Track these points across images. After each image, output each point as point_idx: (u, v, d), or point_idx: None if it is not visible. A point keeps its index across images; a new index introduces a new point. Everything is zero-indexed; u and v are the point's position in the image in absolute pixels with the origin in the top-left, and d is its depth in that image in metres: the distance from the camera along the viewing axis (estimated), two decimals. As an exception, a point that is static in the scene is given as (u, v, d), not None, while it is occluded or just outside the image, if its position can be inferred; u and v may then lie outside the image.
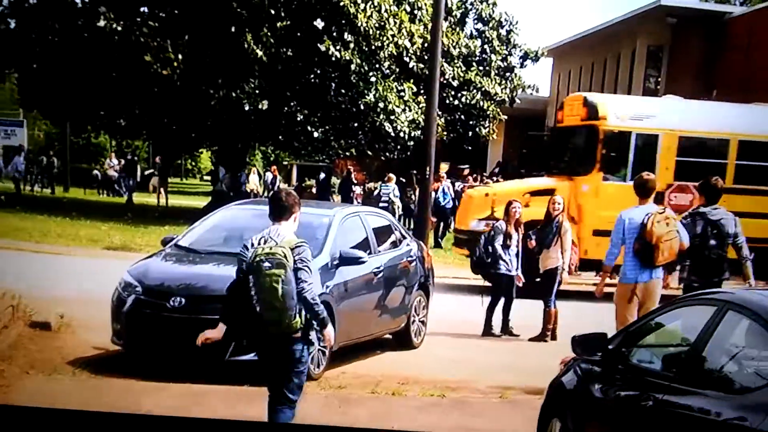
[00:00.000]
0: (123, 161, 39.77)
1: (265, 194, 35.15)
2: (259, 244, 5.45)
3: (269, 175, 38.87)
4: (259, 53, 21.72)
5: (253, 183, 40.39)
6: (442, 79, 25.14)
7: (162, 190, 31.88)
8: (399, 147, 25.24)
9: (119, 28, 21.84)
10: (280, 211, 5.64)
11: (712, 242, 8.00)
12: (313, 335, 5.65)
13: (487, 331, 10.53)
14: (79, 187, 36.75)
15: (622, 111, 14.48)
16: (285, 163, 59.77)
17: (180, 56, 22.07)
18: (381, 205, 20.05)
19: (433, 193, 18.69)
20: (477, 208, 14.59)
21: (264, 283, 5.32)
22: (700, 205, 8.38)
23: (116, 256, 16.10)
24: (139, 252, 16.58)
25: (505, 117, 30.10)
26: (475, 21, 27.06)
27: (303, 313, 5.45)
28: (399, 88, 23.42)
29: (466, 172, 27.01)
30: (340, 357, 8.49)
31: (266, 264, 5.32)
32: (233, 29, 21.89)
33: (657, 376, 4.47)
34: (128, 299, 7.91)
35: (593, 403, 4.92)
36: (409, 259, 9.62)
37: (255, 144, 34.39)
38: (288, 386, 5.55)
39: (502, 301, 10.56)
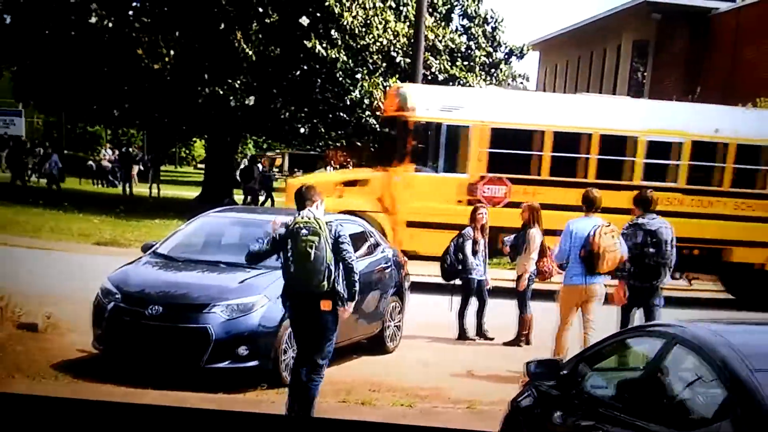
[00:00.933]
0: (117, 152, 40.00)
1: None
2: (298, 216, 6.42)
3: (259, 166, 39.20)
4: (248, 50, 21.99)
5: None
6: (427, 73, 25.38)
7: (154, 181, 32.18)
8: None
9: (110, 24, 22.09)
10: (302, 200, 6.61)
11: (651, 250, 8.70)
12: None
13: (462, 335, 10.76)
14: (74, 176, 37.03)
15: (432, 102, 14.24)
16: (277, 151, 60.02)
17: (171, 52, 22.33)
18: None
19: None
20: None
21: (300, 246, 6.26)
22: (638, 216, 8.95)
23: (106, 251, 16.37)
24: (129, 247, 16.90)
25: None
26: (461, 17, 27.19)
27: (332, 278, 6.32)
28: (385, 84, 23.61)
29: None
30: None
31: (303, 231, 6.30)
32: (222, 26, 22.17)
33: (608, 405, 4.48)
34: (108, 306, 8.10)
35: (547, 428, 4.94)
36: (384, 265, 9.81)
37: (246, 134, 34.67)
38: (319, 348, 6.54)
39: (475, 305, 10.81)
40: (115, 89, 23.79)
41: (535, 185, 13.96)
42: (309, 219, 6.37)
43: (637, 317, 9.02)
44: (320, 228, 6.33)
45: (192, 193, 32.45)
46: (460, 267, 10.60)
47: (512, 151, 14.05)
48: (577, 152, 14.28)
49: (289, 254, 6.38)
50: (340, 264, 6.46)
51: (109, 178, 37.60)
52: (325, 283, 6.32)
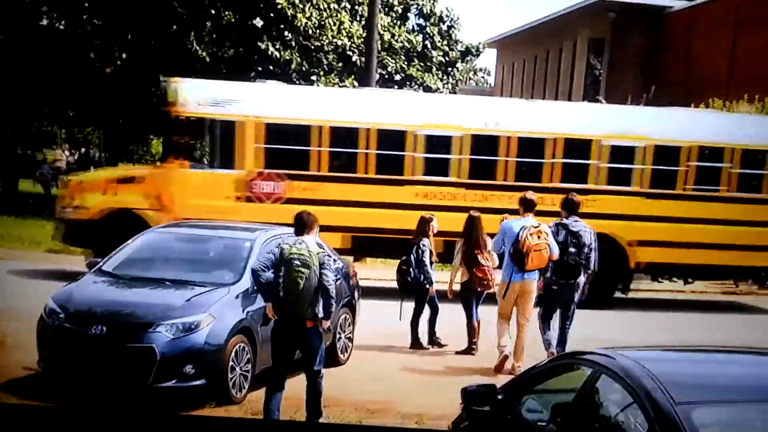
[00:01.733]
0: (75, 153, 39.44)
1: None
2: (292, 246, 7.09)
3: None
4: (201, 52, 21.83)
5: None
6: (384, 73, 25.44)
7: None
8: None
9: (62, 27, 21.84)
10: (302, 227, 7.31)
11: (572, 249, 9.45)
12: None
13: (415, 344, 10.79)
14: (28, 177, 36.37)
15: (205, 97, 14.03)
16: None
17: (123, 55, 22.13)
18: None
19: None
20: (69, 196, 14.26)
21: (291, 276, 6.99)
22: (563, 217, 9.72)
23: (57, 260, 16.14)
24: (80, 255, 16.69)
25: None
26: (417, 16, 27.27)
27: (315, 303, 7.09)
28: (341, 84, 23.59)
29: None
30: (265, 378, 8.69)
31: (296, 262, 7.01)
32: (175, 28, 21.97)
33: (540, 430, 4.53)
34: (52, 326, 7.99)
35: None
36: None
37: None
38: (311, 361, 7.32)
39: (426, 313, 10.84)
40: (69, 91, 23.48)
41: (315, 181, 13.95)
42: (302, 251, 7.05)
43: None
44: (311, 260, 7.04)
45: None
46: (422, 278, 10.62)
47: (290, 146, 14.00)
48: (355, 147, 14.13)
49: (280, 280, 7.06)
50: (320, 288, 7.10)
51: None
52: (309, 309, 7.10)
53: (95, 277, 8.81)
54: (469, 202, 13.75)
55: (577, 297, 9.70)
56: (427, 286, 10.66)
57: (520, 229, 9.31)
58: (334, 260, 9.91)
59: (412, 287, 10.77)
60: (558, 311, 9.78)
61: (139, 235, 9.68)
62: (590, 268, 9.66)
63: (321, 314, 7.18)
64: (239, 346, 8.04)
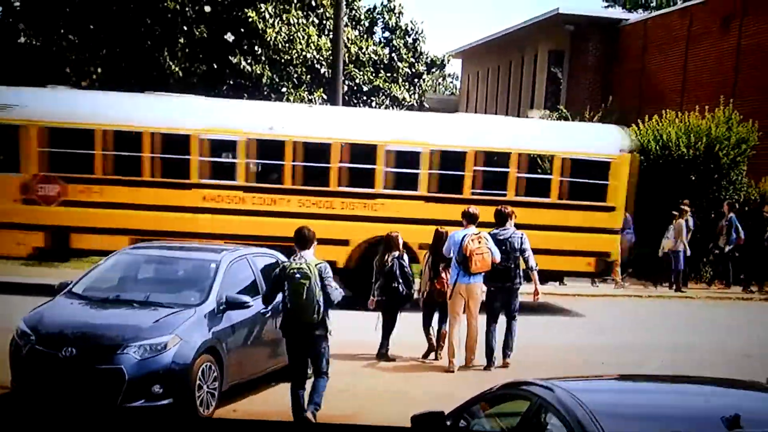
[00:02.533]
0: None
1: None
2: (293, 261, 7.98)
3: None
4: (174, 67, 22.16)
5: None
6: (352, 84, 25.88)
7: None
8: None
9: (38, 44, 22.11)
10: (303, 243, 8.13)
11: (503, 256, 10.57)
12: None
13: (385, 355, 11.18)
14: None
15: None
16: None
17: (99, 69, 22.41)
18: None
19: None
20: None
21: (294, 287, 7.83)
22: (495, 228, 10.87)
23: (33, 273, 16.25)
24: (57, 267, 16.88)
25: (426, 107, 31.05)
26: (383, 29, 27.76)
27: (320, 311, 7.89)
28: (310, 97, 24.00)
29: None
30: (233, 393, 8.92)
31: (297, 275, 7.85)
32: (149, 44, 22.28)
33: None
34: (23, 348, 8.22)
35: None
36: (300, 293, 10.18)
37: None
38: (318, 363, 8.14)
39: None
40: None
41: (94, 184, 14.31)
42: (301, 264, 7.90)
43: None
44: (310, 272, 7.86)
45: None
46: (408, 289, 11.21)
47: (73, 150, 14.26)
48: (139, 151, 14.37)
49: (286, 293, 7.96)
50: (324, 296, 7.96)
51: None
52: (316, 315, 7.91)
53: (65, 299, 9.05)
54: (254, 205, 14.31)
55: (515, 302, 10.87)
56: (409, 295, 11.19)
57: (463, 236, 10.43)
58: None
59: (405, 300, 11.22)
60: (503, 314, 10.89)
61: (109, 256, 9.99)
62: (531, 267, 10.80)
63: (328, 320, 8.05)
64: (206, 365, 8.36)
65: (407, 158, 14.67)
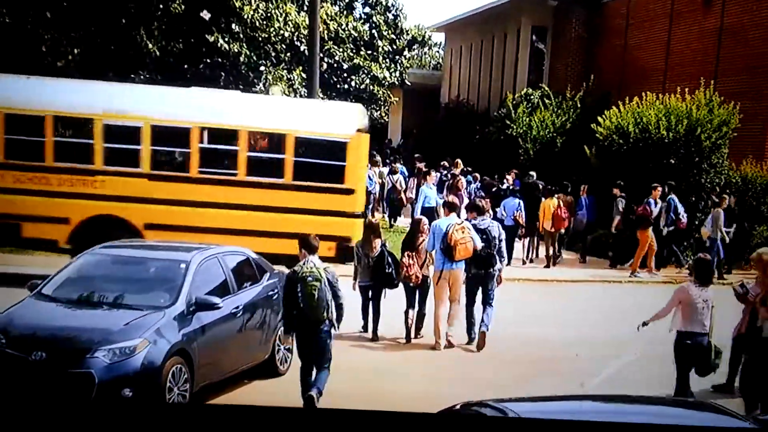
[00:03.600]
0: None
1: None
2: (304, 265, 8.71)
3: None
4: (151, 46, 21.81)
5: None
6: (332, 62, 25.63)
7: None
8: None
9: (10, 21, 21.66)
10: (310, 249, 8.85)
11: (483, 244, 11.43)
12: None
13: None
14: None
15: None
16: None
17: (75, 50, 22.04)
18: None
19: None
20: None
21: (307, 289, 8.60)
22: (472, 218, 11.87)
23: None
24: (34, 255, 16.77)
25: (409, 85, 30.99)
26: (363, 5, 27.45)
27: (330, 310, 8.69)
28: (289, 76, 23.75)
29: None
30: (207, 390, 8.94)
31: (309, 278, 8.62)
32: (124, 22, 21.90)
33: None
34: (-6, 351, 8.24)
35: None
36: (270, 293, 10.13)
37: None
38: (323, 356, 8.82)
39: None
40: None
41: None
42: (312, 268, 8.68)
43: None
44: (321, 275, 8.66)
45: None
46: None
47: None
48: None
49: (299, 294, 8.64)
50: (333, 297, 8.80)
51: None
52: (325, 314, 8.69)
53: (35, 300, 9.00)
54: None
55: (492, 285, 11.73)
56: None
57: (447, 226, 11.30)
58: (269, 276, 10.38)
59: (392, 284, 11.80)
60: (480, 296, 11.78)
61: (78, 256, 9.91)
62: (503, 255, 12.11)
63: (334, 317, 8.81)
64: (176, 368, 8.36)
65: (127, 133, 14.04)
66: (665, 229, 17.63)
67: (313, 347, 8.82)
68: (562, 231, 18.27)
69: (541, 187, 19.12)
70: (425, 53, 54.26)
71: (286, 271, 10.82)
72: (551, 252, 18.05)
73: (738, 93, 19.99)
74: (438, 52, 59.13)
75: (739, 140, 18.89)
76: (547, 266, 17.91)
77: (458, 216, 12.77)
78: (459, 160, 22.91)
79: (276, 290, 10.30)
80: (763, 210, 18.59)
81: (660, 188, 17.21)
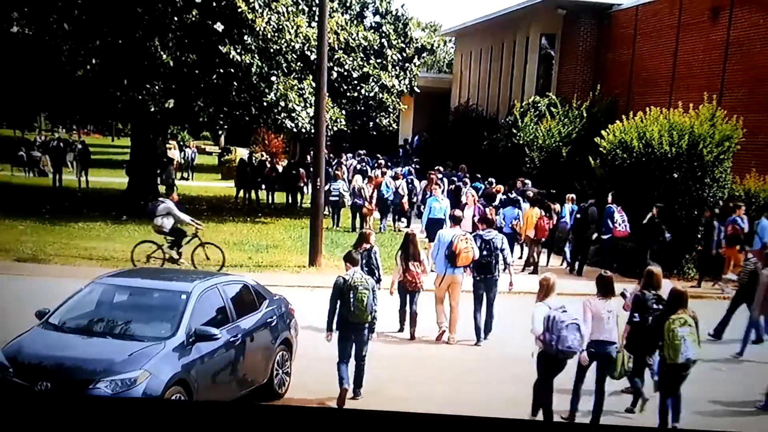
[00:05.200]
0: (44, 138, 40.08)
1: (183, 175, 35.83)
2: (353, 276, 10.20)
3: (188, 151, 39.49)
4: (165, 57, 22.23)
5: (175, 158, 41.30)
6: (342, 71, 25.90)
7: (83, 172, 32.56)
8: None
9: (31, 33, 22.19)
10: (353, 263, 10.48)
11: (485, 253, 13.04)
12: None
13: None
14: (4, 162, 38.05)
15: None
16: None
17: (93, 60, 22.51)
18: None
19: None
20: None
21: (359, 296, 10.09)
22: (481, 230, 13.71)
23: (27, 270, 16.65)
24: (48, 263, 17.29)
25: (418, 92, 31.25)
26: (373, 14, 27.68)
27: (374, 313, 10.27)
28: (299, 86, 24.06)
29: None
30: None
31: (360, 287, 10.13)
32: (140, 34, 22.34)
33: None
34: (2, 380, 8.61)
35: None
36: (269, 320, 10.47)
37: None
38: (362, 352, 10.37)
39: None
40: (40, 95, 24.11)
41: None
42: (361, 280, 10.19)
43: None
44: (369, 285, 10.21)
45: (121, 179, 32.98)
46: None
47: None
48: None
49: (351, 299, 10.07)
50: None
51: (41, 167, 37.82)
52: (370, 316, 10.23)
53: (42, 330, 9.35)
54: None
55: (494, 289, 13.28)
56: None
57: (452, 237, 12.88)
58: (267, 303, 10.73)
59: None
60: (485, 299, 13.26)
61: (84, 286, 10.28)
62: (507, 263, 13.42)
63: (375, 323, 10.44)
64: (175, 397, 8.73)
65: None
66: (593, 236, 18.48)
67: (356, 344, 10.29)
68: (543, 239, 18.88)
69: (531, 195, 19.85)
70: (435, 57, 54.37)
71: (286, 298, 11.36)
72: (535, 259, 18.73)
73: (743, 106, 20.12)
74: (449, 51, 59.24)
75: (743, 153, 19.00)
76: (534, 272, 18.18)
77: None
78: (464, 166, 23.29)
79: (274, 317, 10.67)
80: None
81: (743, 206, 17.59)
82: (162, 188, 27.19)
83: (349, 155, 32.49)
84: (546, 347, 9.18)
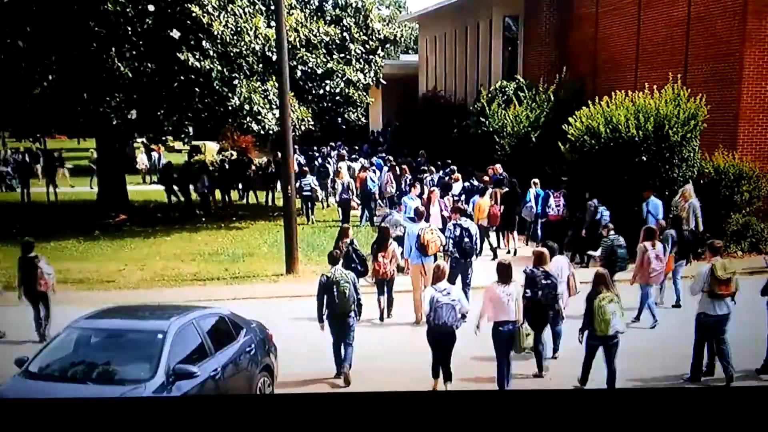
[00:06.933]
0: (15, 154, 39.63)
1: (153, 178, 35.53)
2: (335, 272, 11.70)
3: (155, 154, 39.14)
4: (123, 68, 21.91)
5: (142, 163, 40.81)
6: (306, 69, 25.70)
7: (51, 184, 32.14)
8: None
9: None
10: (334, 261, 12.06)
11: (466, 240, 14.63)
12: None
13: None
14: None
15: None
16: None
17: (50, 76, 22.16)
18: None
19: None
20: None
21: (341, 290, 11.54)
22: (458, 219, 14.99)
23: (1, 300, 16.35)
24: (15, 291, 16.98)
25: (384, 83, 31.07)
26: (333, 7, 27.39)
27: (355, 304, 11.70)
28: (263, 88, 23.83)
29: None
30: None
31: (342, 281, 11.60)
32: (95, 47, 21.98)
33: None
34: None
35: None
36: (248, 349, 10.44)
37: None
38: (348, 337, 11.68)
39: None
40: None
41: None
42: (342, 274, 11.68)
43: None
44: (348, 279, 11.68)
45: (89, 188, 32.46)
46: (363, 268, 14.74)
47: None
48: None
49: (334, 293, 11.54)
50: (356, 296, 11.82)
51: (8, 182, 37.28)
52: (353, 306, 11.69)
53: (23, 379, 9.24)
54: None
55: (471, 270, 14.86)
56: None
57: (419, 230, 14.39)
58: (245, 333, 10.69)
59: (356, 274, 13.22)
60: (460, 279, 14.50)
61: (61, 331, 10.14)
62: (479, 249, 15.64)
63: (357, 312, 11.84)
64: (160, 440, 8.69)
65: None
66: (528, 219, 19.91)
67: (344, 331, 11.63)
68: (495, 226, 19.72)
69: (505, 181, 20.75)
70: (392, 61, 53.84)
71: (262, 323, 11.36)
72: (492, 245, 19.60)
73: (708, 81, 20.20)
74: (414, 29, 58.66)
75: (710, 130, 19.08)
76: (494, 258, 18.40)
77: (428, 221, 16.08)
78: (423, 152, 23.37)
79: (252, 345, 10.63)
80: (737, 199, 18.81)
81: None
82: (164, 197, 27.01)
83: (329, 148, 32.50)
84: (428, 322, 10.82)
